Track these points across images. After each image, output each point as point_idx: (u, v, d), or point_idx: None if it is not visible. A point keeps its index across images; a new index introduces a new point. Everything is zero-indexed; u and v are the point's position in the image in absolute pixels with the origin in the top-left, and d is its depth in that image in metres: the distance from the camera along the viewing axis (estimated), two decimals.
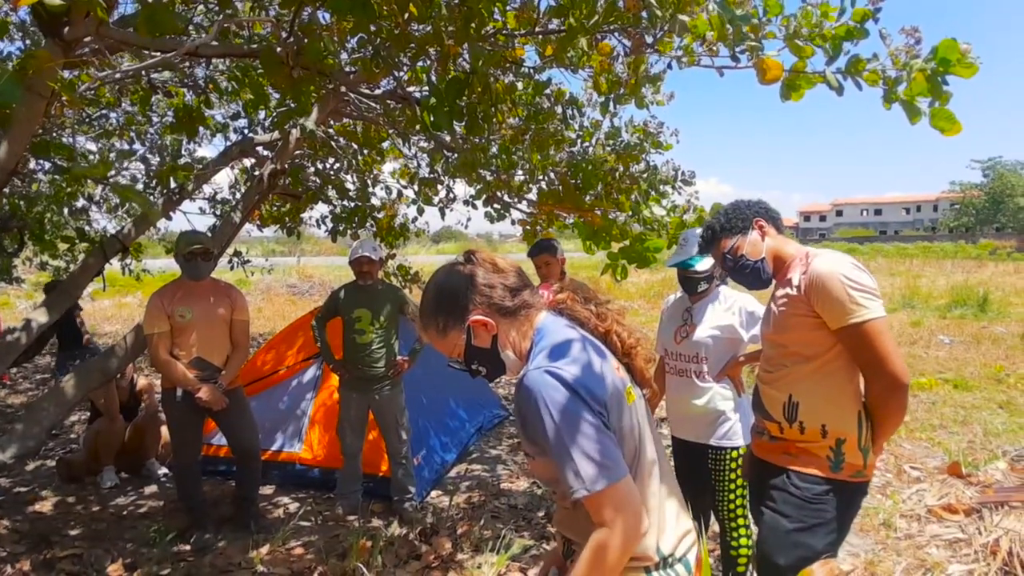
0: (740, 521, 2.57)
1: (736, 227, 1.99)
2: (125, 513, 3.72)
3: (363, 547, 3.04)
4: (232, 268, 5.86)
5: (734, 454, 2.51)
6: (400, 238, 5.65)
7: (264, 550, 3.15)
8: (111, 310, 13.19)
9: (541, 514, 3.65)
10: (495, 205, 5.24)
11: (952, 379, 6.78)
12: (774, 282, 2.01)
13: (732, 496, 2.54)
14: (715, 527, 2.68)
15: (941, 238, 48.92)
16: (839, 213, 71.78)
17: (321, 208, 5.53)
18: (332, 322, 3.81)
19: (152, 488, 4.14)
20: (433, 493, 4.00)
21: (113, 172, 4.05)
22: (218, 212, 6.02)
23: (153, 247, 8.26)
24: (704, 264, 2.52)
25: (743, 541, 2.57)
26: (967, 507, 3.53)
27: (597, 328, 1.34)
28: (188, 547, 3.22)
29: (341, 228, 5.24)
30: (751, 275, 1.99)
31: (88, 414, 4.56)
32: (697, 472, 2.58)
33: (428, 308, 1.32)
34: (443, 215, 5.01)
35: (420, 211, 5.30)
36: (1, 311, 12.55)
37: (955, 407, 5.77)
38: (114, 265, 4.68)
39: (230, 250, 5.69)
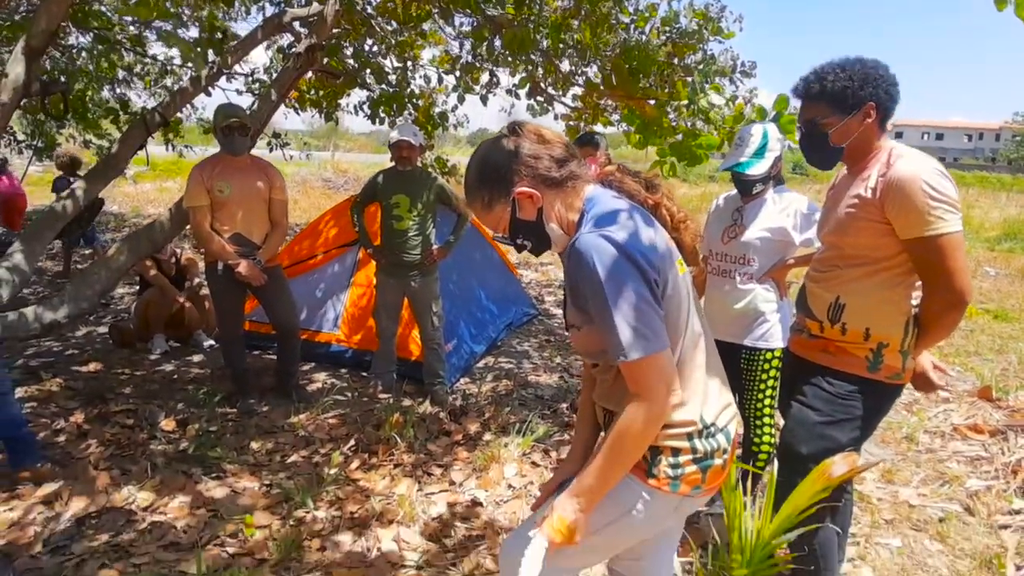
0: (766, 420, 2.60)
1: (846, 102, 1.72)
2: (175, 377, 3.95)
3: (396, 421, 3.20)
4: (271, 150, 5.84)
5: (768, 355, 2.51)
6: (439, 127, 5.51)
7: (304, 417, 3.34)
8: (152, 193, 13.45)
9: (565, 405, 3.76)
10: (538, 97, 5.03)
11: (993, 310, 6.59)
12: (844, 170, 1.89)
13: (761, 396, 2.56)
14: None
15: (1000, 169, 46.16)
16: (899, 135, 67.65)
17: (359, 94, 5.39)
18: (370, 209, 3.80)
19: (199, 357, 4.37)
20: (462, 380, 4.14)
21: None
22: (256, 91, 5.91)
23: (192, 132, 8.24)
24: (758, 168, 2.40)
25: (766, 439, 2.62)
26: (993, 428, 3.53)
27: (646, 201, 1.32)
28: (234, 410, 3.43)
29: (382, 113, 5.12)
30: (820, 152, 1.85)
31: (137, 287, 4.76)
32: (729, 373, 2.59)
33: (473, 181, 1.30)
34: (485, 102, 4.83)
35: (461, 99, 5.12)
36: (45, 189, 12.89)
37: (992, 336, 5.65)
38: (155, 152, 4.69)
39: (269, 132, 5.66)
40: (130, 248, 3.44)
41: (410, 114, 5.41)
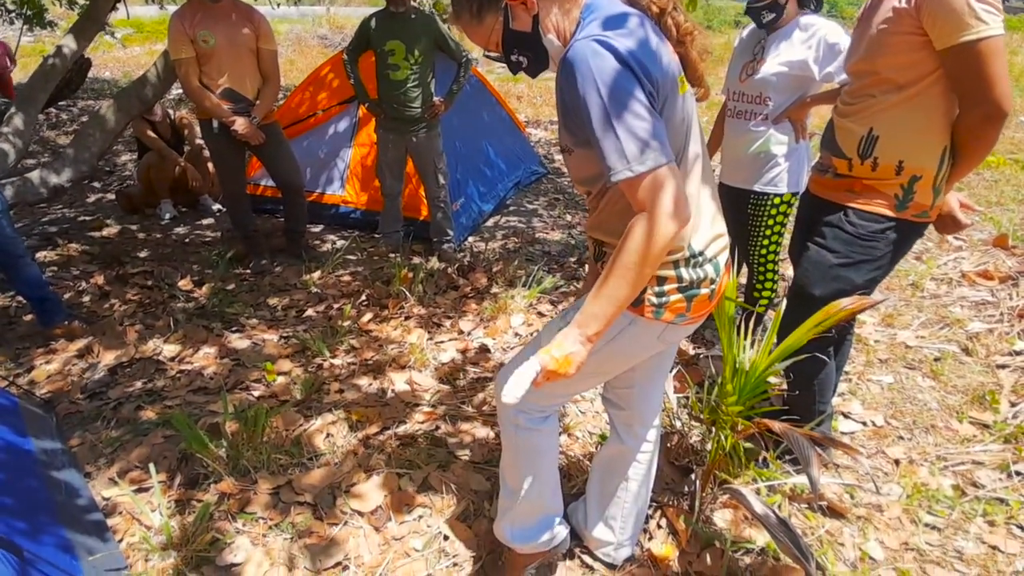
0: (769, 267, 2.61)
1: None
2: (187, 241, 4.01)
3: (405, 276, 3.26)
4: (279, 6, 5.42)
5: (776, 200, 2.45)
6: None
7: (316, 275, 3.42)
8: (143, 57, 12.80)
9: (573, 259, 3.79)
10: None
11: (1022, 160, 6.31)
12: None
13: (766, 242, 2.54)
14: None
15: None
16: None
17: None
18: (366, 62, 3.58)
19: (209, 221, 4.40)
20: (470, 239, 4.15)
21: None
22: None
23: None
24: None
25: (768, 285, 2.64)
26: (1004, 275, 3.51)
27: (651, 7, 1.18)
28: (247, 271, 3.51)
29: None
30: None
31: (137, 152, 4.68)
32: (735, 218, 2.55)
33: None
34: None
35: None
36: (37, 60, 12.33)
37: (1017, 187, 5.45)
38: (143, 13, 4.35)
39: None
40: (120, 107, 3.33)
41: None
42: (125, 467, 2.04)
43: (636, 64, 1.04)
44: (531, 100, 9.44)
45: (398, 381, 2.51)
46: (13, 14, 8.55)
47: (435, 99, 3.50)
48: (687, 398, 2.24)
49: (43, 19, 8.94)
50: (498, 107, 5.28)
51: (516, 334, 2.91)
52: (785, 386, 2.14)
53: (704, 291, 1.26)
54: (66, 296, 3.14)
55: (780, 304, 1.98)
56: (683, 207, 1.07)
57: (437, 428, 2.24)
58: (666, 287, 1.22)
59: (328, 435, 2.20)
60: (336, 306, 3.13)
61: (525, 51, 1.19)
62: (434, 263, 3.56)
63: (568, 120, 1.15)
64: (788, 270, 3.15)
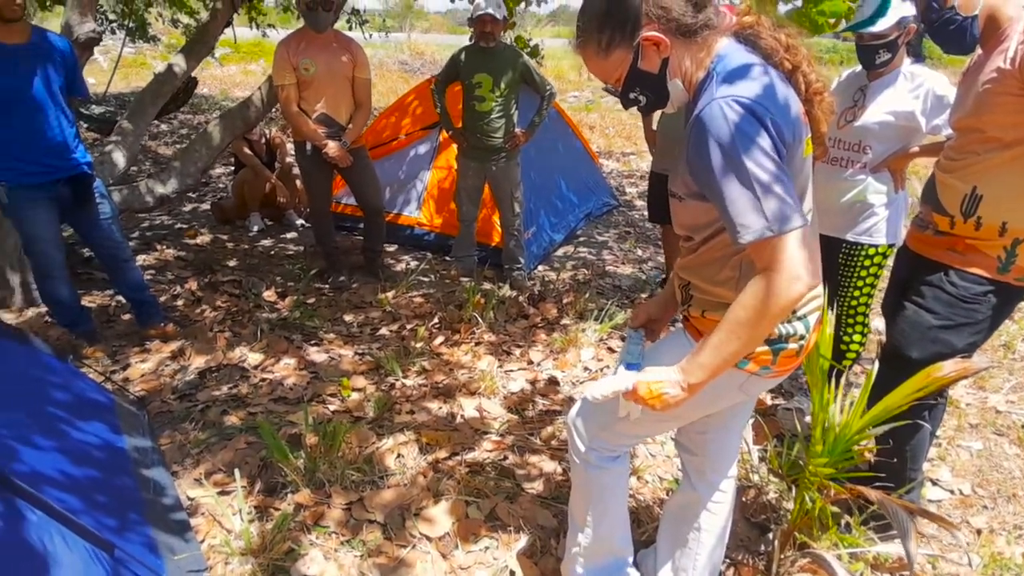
0: (860, 319, 2.50)
1: None
2: (272, 253, 4.21)
3: (477, 302, 3.31)
4: (351, 28, 5.73)
5: (871, 251, 2.36)
6: (522, 2, 5.18)
7: (390, 294, 3.51)
8: (238, 76, 13.67)
9: (644, 295, 3.75)
10: None
11: None
12: (978, 51, 1.66)
13: (857, 294, 2.45)
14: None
15: None
16: None
17: None
18: (453, 89, 3.71)
19: (292, 235, 4.61)
20: (540, 267, 4.18)
21: None
22: None
23: (271, 12, 8.13)
24: (885, 23, 2.10)
25: (856, 339, 2.53)
26: None
27: (783, 62, 1.15)
28: (326, 286, 3.65)
29: None
30: (955, 33, 1.64)
31: (233, 167, 4.98)
32: (826, 268, 2.47)
33: (592, 19, 1.14)
34: None
35: None
36: (137, 71, 13.37)
37: None
38: (239, 34, 4.68)
39: (348, 9, 5.51)
40: (225, 127, 3.56)
41: None
42: (210, 469, 2.14)
43: (772, 125, 1.03)
44: (603, 131, 9.49)
45: (468, 407, 2.54)
46: (115, 24, 9.32)
47: (517, 130, 3.58)
48: (765, 451, 2.16)
49: (145, 32, 9.67)
50: (573, 138, 5.34)
51: (586, 368, 2.89)
52: (874, 448, 2.03)
53: (792, 346, 1.24)
54: (161, 299, 3.35)
55: (864, 360, 1.90)
56: (811, 270, 1.06)
57: (505, 458, 2.25)
58: None
59: (399, 455, 2.24)
60: (409, 327, 3.20)
61: (647, 91, 1.18)
62: (505, 290, 3.60)
63: (690, 172, 1.14)
64: (876, 322, 3.01)
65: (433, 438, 2.32)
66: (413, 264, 4.10)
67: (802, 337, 1.23)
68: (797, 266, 1.03)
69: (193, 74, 5.42)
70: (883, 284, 2.08)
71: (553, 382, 2.76)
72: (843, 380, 2.51)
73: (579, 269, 4.18)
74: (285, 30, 8.43)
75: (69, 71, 2.51)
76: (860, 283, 2.42)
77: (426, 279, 3.83)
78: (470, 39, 3.49)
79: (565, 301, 3.56)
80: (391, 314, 3.35)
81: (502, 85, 3.44)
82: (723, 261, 1.21)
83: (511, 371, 2.85)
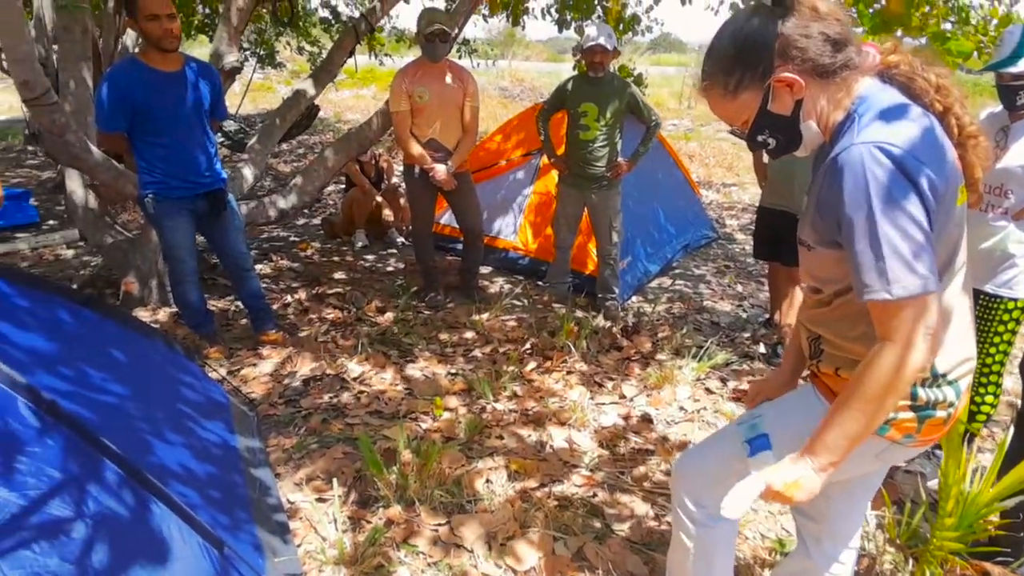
0: (993, 378, 2.26)
1: None
2: (374, 269, 4.40)
3: (571, 330, 3.29)
4: (460, 57, 5.95)
5: (1010, 305, 2.14)
6: (628, 31, 5.19)
7: (485, 316, 3.56)
8: (351, 100, 14.56)
9: (746, 335, 3.58)
10: None
11: None
12: None
13: (992, 351, 2.22)
14: None
15: None
16: None
17: None
18: (556, 117, 3.75)
19: (393, 252, 4.80)
20: (634, 298, 4.10)
21: None
22: None
23: (394, 47, 8.58)
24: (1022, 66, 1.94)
25: (989, 399, 2.29)
26: None
27: (934, 104, 1.06)
28: (423, 304, 3.75)
29: (568, 18, 4.94)
30: None
31: (344, 186, 5.28)
32: None
33: (720, 61, 1.08)
34: (684, 2, 4.40)
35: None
36: (264, 94, 14.55)
37: None
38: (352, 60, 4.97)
39: (459, 38, 5.73)
40: (342, 149, 3.78)
41: (599, 17, 5.15)
42: (309, 475, 2.23)
43: (920, 175, 0.95)
44: (703, 160, 9.26)
45: (557, 437, 2.51)
46: (248, 51, 10.18)
47: (620, 159, 3.55)
48: (882, 518, 1.98)
49: (274, 59, 10.50)
50: (674, 167, 5.24)
51: (681, 408, 2.78)
52: (997, 521, 1.82)
53: (940, 414, 1.12)
54: (274, 307, 3.57)
55: (993, 422, 1.70)
56: (936, 339, 0.98)
57: (594, 495, 2.19)
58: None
59: (487, 480, 2.24)
60: (501, 350, 3.22)
61: (777, 133, 1.11)
62: (599, 320, 3.55)
63: (821, 219, 1.07)
64: (1008, 382, 2.72)
65: (522, 466, 2.31)
66: (507, 287, 4.15)
67: (951, 404, 1.12)
68: (920, 336, 0.96)
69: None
70: (1021, 342, 1.87)
71: (647, 420, 2.67)
72: (974, 445, 2.28)
73: (675, 302, 4.06)
74: (398, 57, 8.93)
75: (214, 96, 2.77)
76: (996, 339, 2.19)
77: (519, 303, 3.85)
78: (574, 67, 3.52)
79: (660, 335, 3.46)
80: (484, 336, 3.39)
81: (607, 114, 3.44)
82: (858, 316, 1.11)
83: (602, 404, 2.79)
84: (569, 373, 3.01)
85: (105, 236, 3.43)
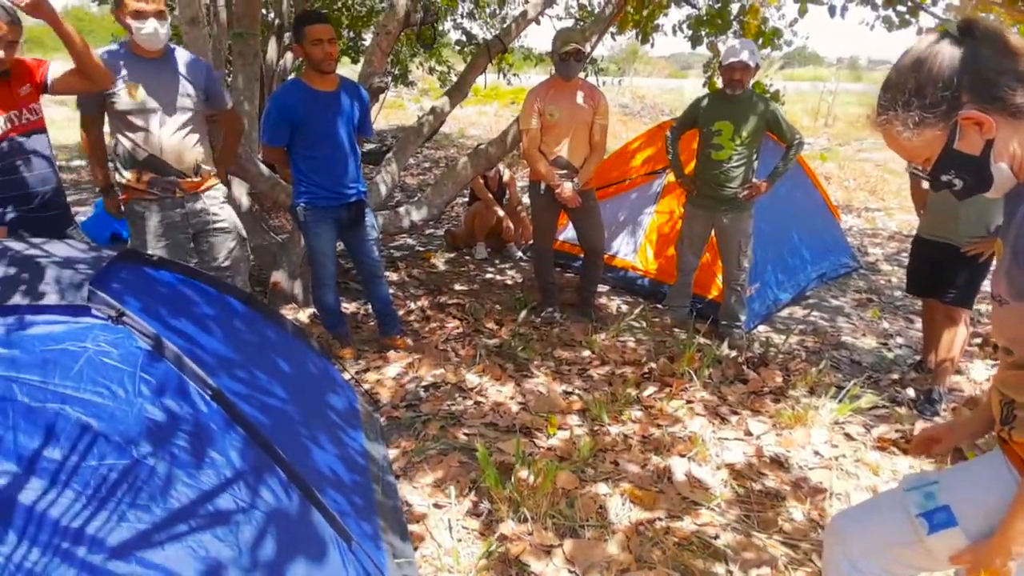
0: None
1: None
2: (493, 281, 4.49)
3: (692, 356, 3.15)
4: (586, 75, 5.97)
5: None
6: (768, 45, 4.94)
7: (601, 336, 3.50)
8: (474, 117, 15.09)
9: (894, 376, 3.24)
10: (899, 7, 4.15)
11: None
12: None
13: None
14: None
15: None
16: None
17: (676, 13, 5.09)
18: (684, 135, 3.64)
19: (511, 266, 4.88)
20: (761, 327, 3.86)
21: None
22: (576, 15, 6.04)
23: (519, 65, 8.81)
24: None
25: None
26: None
27: None
28: (540, 319, 3.77)
29: (703, 33, 4.79)
30: None
31: (467, 199, 5.46)
32: None
33: (900, 95, 1.00)
34: (835, 13, 4.12)
35: (802, 11, 4.47)
36: (395, 111, 15.45)
37: None
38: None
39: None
40: (471, 164, 3.91)
41: (735, 33, 4.95)
42: (427, 480, 2.29)
43: None
44: (842, 182, 8.60)
45: (677, 469, 2.40)
46: (384, 70, 10.91)
47: (756, 180, 3.37)
48: None
49: (407, 78, 11.12)
50: (812, 189, 4.90)
51: (816, 452, 2.56)
52: None
53: None
54: (399, 312, 3.74)
55: None
56: None
57: (717, 536, 2.06)
58: None
59: (601, 507, 2.18)
60: (618, 372, 3.15)
61: (964, 174, 1.01)
62: (724, 348, 3.37)
63: (1019, 269, 0.95)
64: None
65: (638, 496, 2.22)
66: (624, 308, 4.06)
67: None
68: None
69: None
70: None
71: (777, 462, 2.49)
72: None
73: (807, 335, 3.77)
74: (526, 76, 9.13)
75: (362, 114, 2.97)
76: None
77: (637, 325, 3.75)
78: (703, 84, 3.39)
79: (791, 369, 3.22)
80: (600, 356, 3.33)
81: (743, 133, 3.29)
82: None
83: (726, 439, 2.63)
84: (690, 402, 2.88)
85: (259, 239, 3.78)
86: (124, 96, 2.43)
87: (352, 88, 2.95)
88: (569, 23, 6.53)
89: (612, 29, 5.58)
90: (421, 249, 5.16)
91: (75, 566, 1.23)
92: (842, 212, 6.76)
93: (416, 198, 4.03)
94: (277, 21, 4.77)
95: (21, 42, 2.24)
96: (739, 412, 2.83)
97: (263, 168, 3.39)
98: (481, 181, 4.85)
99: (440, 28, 8.70)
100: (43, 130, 2.38)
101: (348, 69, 8.16)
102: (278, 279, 3.65)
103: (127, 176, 2.54)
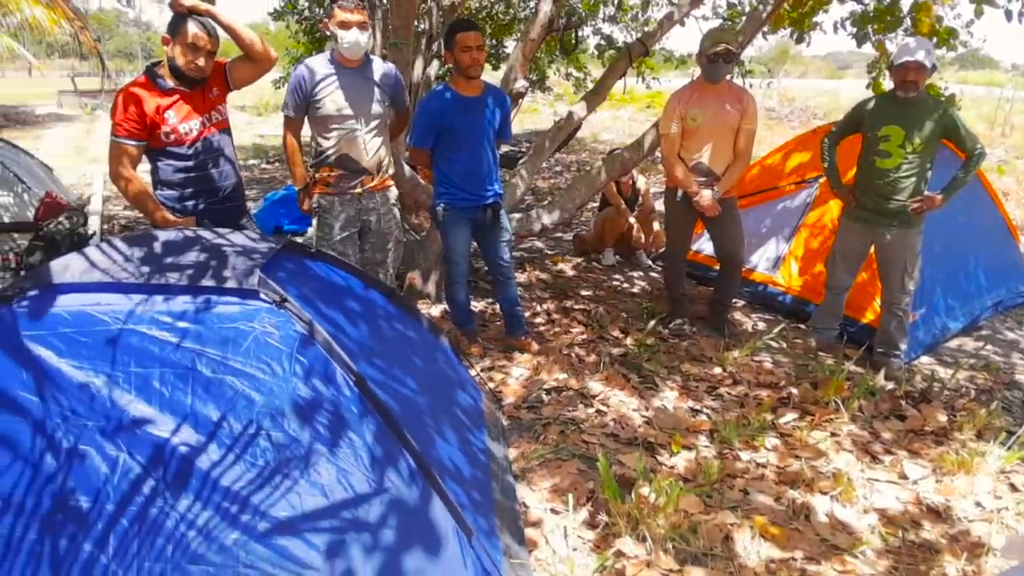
0: None
1: None
2: (620, 288, 4.41)
3: (840, 385, 2.87)
4: (732, 77, 5.66)
5: None
6: (943, 46, 4.40)
7: (734, 354, 3.31)
8: (607, 121, 14.97)
9: None
10: None
11: None
12: None
13: None
14: None
15: None
16: None
17: (838, 10, 4.68)
18: (843, 142, 3.32)
19: (639, 274, 4.76)
20: (924, 358, 3.44)
21: None
22: (725, 16, 5.75)
23: (655, 67, 8.60)
24: None
25: None
26: None
27: None
28: (667, 330, 3.63)
29: (870, 30, 4.37)
30: None
31: (597, 204, 5.40)
32: None
33: None
34: (1011, 18, 3.57)
35: (978, 12, 3.93)
36: (530, 115, 15.71)
37: None
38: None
39: None
40: (606, 168, 3.86)
41: (905, 31, 4.45)
42: (545, 485, 2.29)
43: None
44: (1021, 199, 7.45)
45: (818, 508, 2.19)
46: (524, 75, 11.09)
47: (929, 193, 3.01)
48: None
49: (544, 84, 11.24)
50: (991, 205, 4.29)
51: (978, 503, 2.23)
52: None
53: None
54: (525, 314, 3.78)
55: None
56: None
57: None
58: None
59: (727, 537, 2.05)
60: (752, 394, 2.95)
61: None
62: (879, 379, 3.03)
63: None
64: None
65: (771, 532, 2.06)
66: (761, 325, 3.81)
67: None
68: None
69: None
70: None
71: (934, 511, 2.19)
72: None
73: (978, 371, 3.31)
74: (665, 79, 8.88)
75: (503, 118, 3.04)
76: None
77: (776, 345, 3.50)
78: (867, 86, 3.07)
79: (958, 409, 2.83)
80: (733, 375, 3.14)
81: (916, 140, 2.94)
82: None
83: (876, 480, 2.37)
84: (835, 435, 2.63)
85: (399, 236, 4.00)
86: (327, 102, 2.70)
87: (496, 93, 3.04)
88: (716, 23, 6.24)
89: (764, 28, 5.27)
90: (549, 252, 5.19)
91: (237, 527, 1.37)
92: (1021, 233, 5.85)
93: (547, 201, 4.06)
94: (427, 31, 5.03)
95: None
96: (894, 452, 2.53)
97: (407, 169, 3.58)
98: (613, 186, 4.78)
99: (580, 33, 8.73)
100: (228, 131, 2.69)
101: (489, 76, 8.41)
102: (414, 275, 3.84)
103: (319, 173, 2.81)
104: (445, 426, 1.96)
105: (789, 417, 2.74)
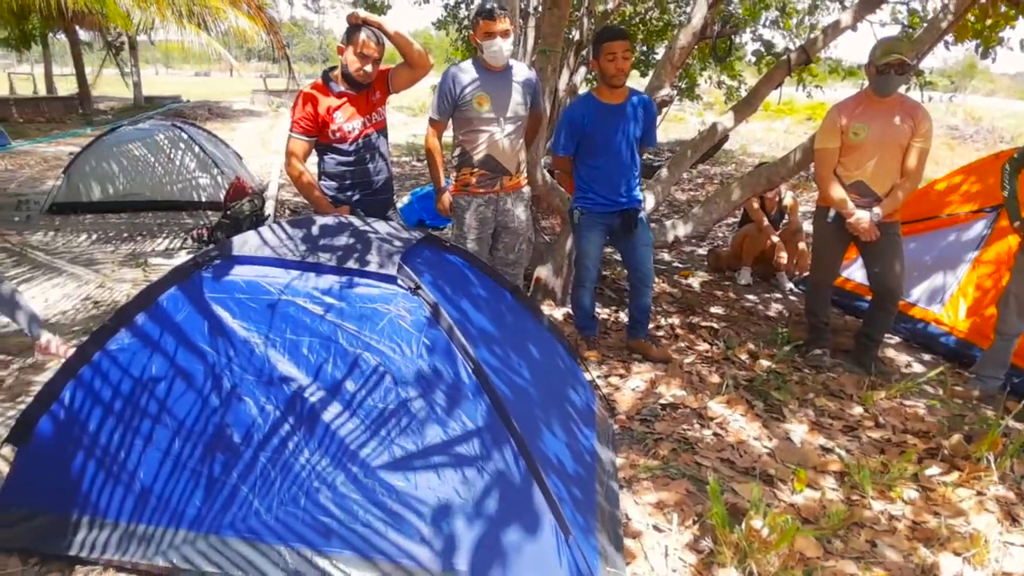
0: None
1: None
2: (754, 310, 4.18)
3: (996, 440, 2.51)
4: (908, 89, 5.15)
5: None
6: None
7: (880, 394, 3.01)
8: (760, 133, 14.18)
9: None
10: None
11: None
12: None
13: None
14: None
15: None
16: None
17: None
18: None
19: (778, 296, 4.48)
20: None
21: None
22: (905, 23, 5.23)
23: (821, 76, 8.00)
24: None
25: None
26: None
27: None
28: (803, 359, 3.39)
29: None
30: None
31: (738, 218, 5.16)
32: None
33: None
34: None
35: None
36: (675, 124, 15.26)
37: None
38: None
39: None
40: (749, 184, 3.69)
41: None
42: (650, 500, 2.25)
43: None
44: None
45: (945, 568, 1.95)
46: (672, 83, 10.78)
47: None
48: None
49: (694, 92, 10.84)
50: None
51: None
52: None
53: None
54: (649, 326, 3.72)
55: None
56: None
57: None
58: None
59: None
60: (896, 440, 2.68)
61: None
62: None
63: None
64: None
65: None
66: (916, 366, 3.42)
67: None
68: None
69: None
70: None
71: None
72: None
73: None
74: (831, 89, 8.22)
75: (647, 125, 3.03)
76: None
77: (930, 389, 3.13)
78: None
79: None
80: (875, 417, 2.86)
81: None
82: None
83: (1012, 543, 2.06)
84: (980, 494, 2.31)
85: (532, 236, 4.11)
86: (474, 105, 2.89)
87: (640, 100, 3.03)
88: (895, 30, 5.68)
89: (948, 38, 4.73)
90: (679, 266, 5.04)
91: (348, 478, 1.56)
92: None
93: (682, 213, 3.95)
94: (577, 39, 5.09)
95: None
96: None
97: (544, 173, 3.67)
98: (756, 202, 4.53)
99: (737, 40, 8.35)
100: (385, 130, 2.94)
101: (636, 82, 8.33)
102: (542, 275, 3.93)
103: (462, 173, 3.00)
104: (554, 420, 2.01)
105: (934, 470, 2.45)
